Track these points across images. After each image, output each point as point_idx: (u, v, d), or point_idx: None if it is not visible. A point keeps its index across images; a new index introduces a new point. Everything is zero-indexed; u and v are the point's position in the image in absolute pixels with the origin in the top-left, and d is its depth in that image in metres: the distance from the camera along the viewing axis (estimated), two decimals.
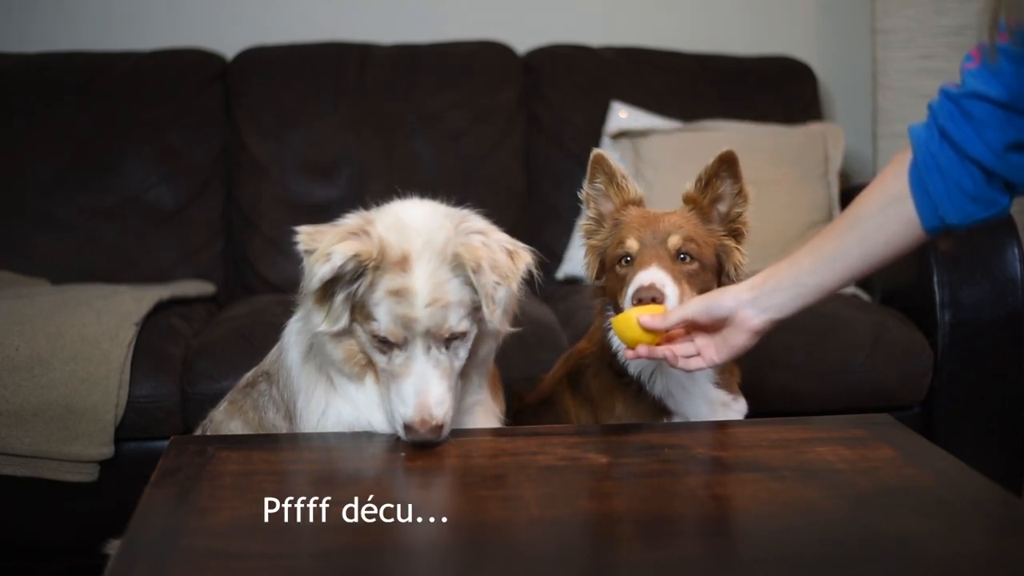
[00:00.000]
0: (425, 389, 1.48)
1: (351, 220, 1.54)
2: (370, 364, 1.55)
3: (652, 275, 1.60)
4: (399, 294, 1.47)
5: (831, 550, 1.20)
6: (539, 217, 3.15)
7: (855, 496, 1.34)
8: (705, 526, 1.31)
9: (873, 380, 2.49)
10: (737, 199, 1.72)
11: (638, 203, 1.75)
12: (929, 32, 3.19)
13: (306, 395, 1.62)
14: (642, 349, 1.57)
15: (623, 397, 1.76)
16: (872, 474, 1.41)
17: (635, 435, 1.60)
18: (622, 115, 3.16)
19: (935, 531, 1.24)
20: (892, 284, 2.74)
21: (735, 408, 1.79)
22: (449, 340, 1.50)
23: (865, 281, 2.88)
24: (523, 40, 3.36)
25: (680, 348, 1.59)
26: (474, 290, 1.49)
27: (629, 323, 1.57)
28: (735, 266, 1.71)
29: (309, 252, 1.48)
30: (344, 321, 1.51)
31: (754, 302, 1.52)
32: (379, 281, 1.48)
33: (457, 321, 1.49)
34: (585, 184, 1.76)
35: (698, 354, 1.59)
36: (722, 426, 1.70)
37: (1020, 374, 2.57)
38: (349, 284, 1.49)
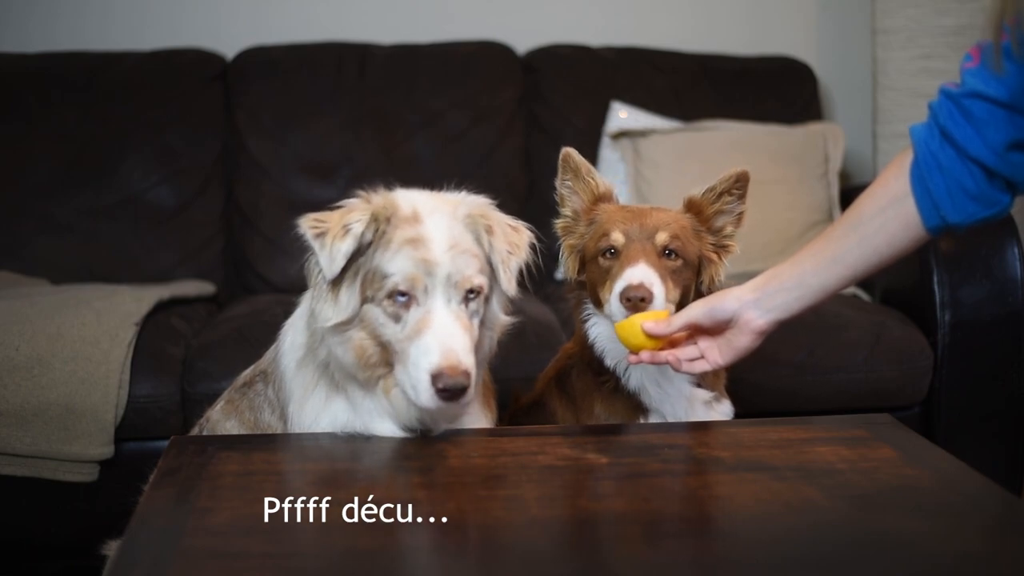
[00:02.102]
0: (450, 336, 1.40)
1: (350, 201, 1.51)
2: (382, 364, 1.48)
3: (641, 273, 1.60)
4: (415, 242, 1.43)
5: (831, 550, 1.20)
6: (539, 217, 3.12)
7: (855, 496, 1.34)
8: (705, 526, 1.31)
9: (873, 380, 2.49)
10: (734, 219, 1.73)
11: (607, 198, 1.76)
12: (929, 32, 3.20)
13: (299, 401, 1.59)
14: (644, 354, 1.58)
15: (601, 396, 1.77)
16: (872, 474, 1.41)
17: (635, 435, 1.60)
18: (622, 115, 3.16)
19: (935, 531, 1.24)
20: (892, 284, 2.74)
21: (719, 409, 1.78)
22: (468, 296, 1.45)
23: (865, 281, 2.87)
24: (523, 40, 3.36)
25: (683, 352, 1.59)
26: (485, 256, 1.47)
27: (633, 329, 1.57)
28: (710, 278, 1.71)
29: (321, 235, 1.43)
30: (355, 304, 1.45)
31: (757, 303, 1.53)
32: (393, 235, 1.44)
33: (475, 272, 1.45)
34: (558, 183, 1.78)
35: (702, 357, 1.59)
36: (721, 426, 1.70)
37: (1020, 374, 2.57)
38: (359, 257, 1.45)
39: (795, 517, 1.28)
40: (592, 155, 3.18)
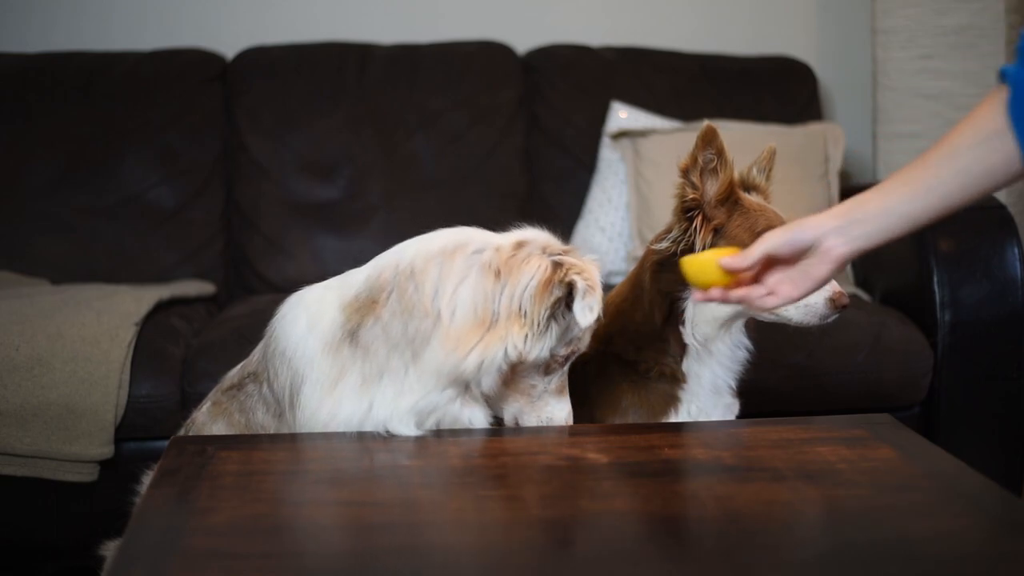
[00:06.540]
0: None
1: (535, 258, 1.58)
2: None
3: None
4: None
5: (831, 550, 1.20)
6: (539, 218, 3.12)
7: (855, 496, 1.34)
8: (705, 526, 1.31)
9: (873, 380, 2.49)
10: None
11: (749, 186, 1.79)
12: (929, 32, 3.19)
13: (322, 386, 1.53)
14: (715, 292, 1.53)
15: (631, 387, 1.76)
16: (872, 474, 1.41)
17: (635, 435, 1.60)
18: (622, 115, 3.16)
19: (935, 531, 1.24)
20: (892, 284, 2.74)
21: (733, 411, 1.81)
22: None
23: (865, 281, 2.88)
24: (523, 40, 3.36)
25: (752, 289, 1.53)
26: None
27: (706, 265, 1.52)
28: None
29: (592, 288, 1.48)
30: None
31: (840, 230, 1.47)
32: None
33: None
34: (698, 153, 1.68)
35: (770, 293, 1.53)
36: (722, 426, 1.70)
37: (1020, 374, 2.57)
38: None
39: (795, 517, 1.28)
40: (592, 155, 3.18)
